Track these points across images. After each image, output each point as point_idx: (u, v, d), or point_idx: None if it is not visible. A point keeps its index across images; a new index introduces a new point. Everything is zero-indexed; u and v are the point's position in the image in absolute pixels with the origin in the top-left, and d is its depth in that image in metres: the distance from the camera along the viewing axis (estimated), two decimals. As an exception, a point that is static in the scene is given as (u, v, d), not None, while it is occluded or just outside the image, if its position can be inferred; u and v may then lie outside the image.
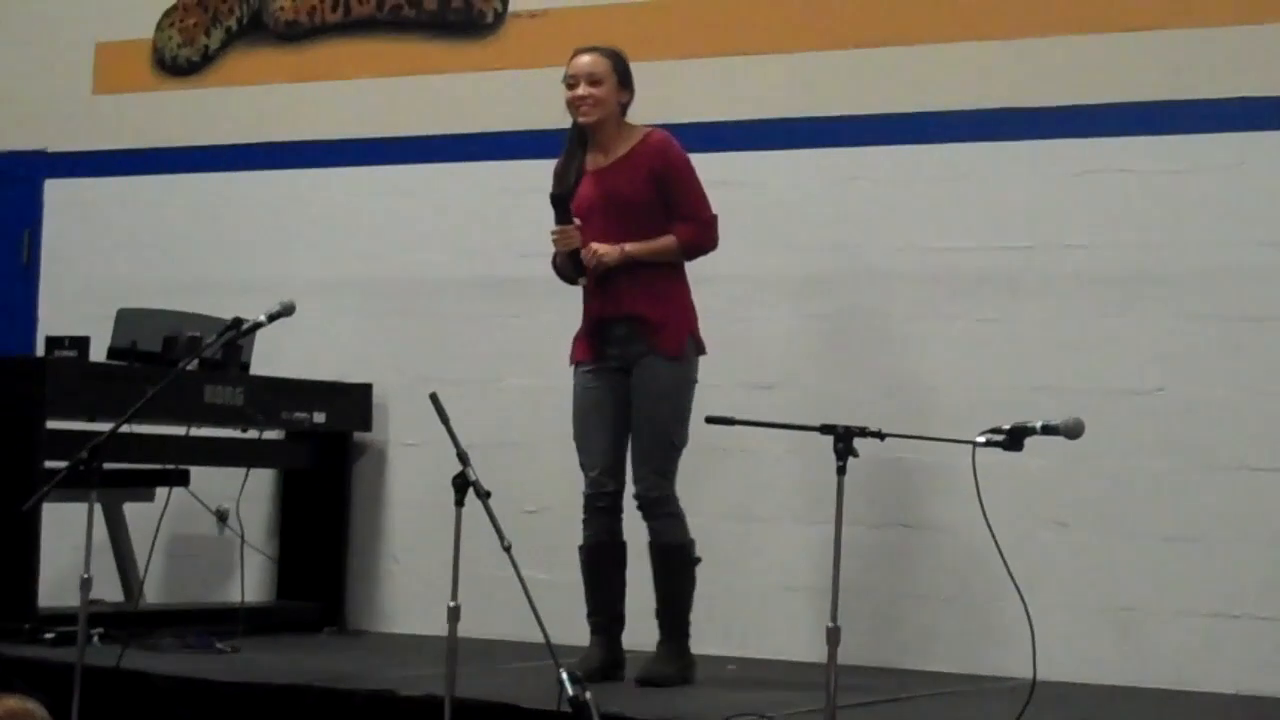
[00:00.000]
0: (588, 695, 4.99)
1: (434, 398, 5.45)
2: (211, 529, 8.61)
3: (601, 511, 6.59)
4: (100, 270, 9.20)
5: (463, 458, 5.32)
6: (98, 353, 7.61)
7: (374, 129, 8.76)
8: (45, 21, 9.62)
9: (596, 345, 6.61)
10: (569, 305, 7.01)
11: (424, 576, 8.17)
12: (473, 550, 5.31)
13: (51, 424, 7.33)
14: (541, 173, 7.91)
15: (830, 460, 5.26)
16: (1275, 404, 6.98)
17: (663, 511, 6.54)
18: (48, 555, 7.39)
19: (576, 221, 6.52)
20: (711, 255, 6.68)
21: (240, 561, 8.08)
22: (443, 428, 5.38)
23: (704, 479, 6.67)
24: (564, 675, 5.01)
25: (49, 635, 7.02)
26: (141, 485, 8.13)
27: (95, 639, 6.81)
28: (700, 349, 6.63)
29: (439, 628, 5.40)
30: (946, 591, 7.39)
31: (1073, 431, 5.43)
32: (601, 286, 6.56)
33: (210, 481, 8.26)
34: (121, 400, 6.37)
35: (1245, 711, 6.66)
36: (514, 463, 7.97)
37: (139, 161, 9.30)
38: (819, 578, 5.24)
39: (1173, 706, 6.69)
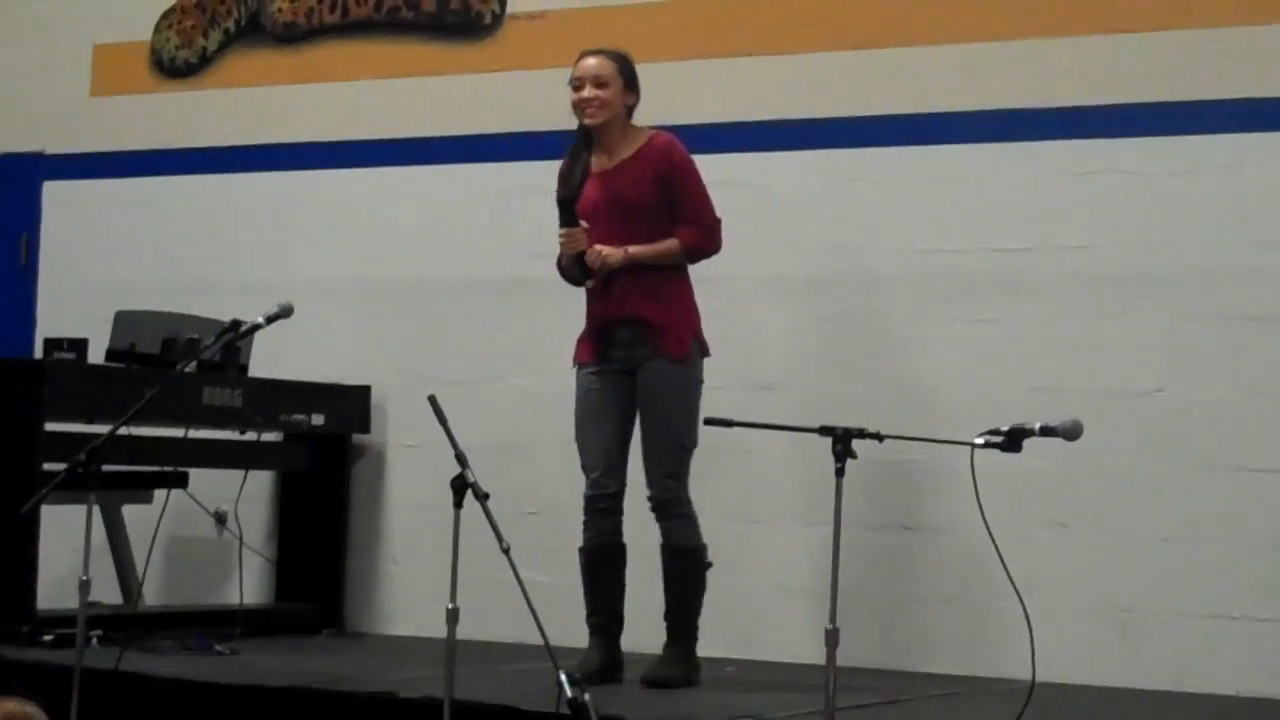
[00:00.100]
0: (587, 697, 4.99)
1: (433, 400, 5.45)
2: (210, 531, 8.61)
3: (602, 513, 6.59)
4: (98, 272, 9.20)
5: (461, 459, 5.32)
6: (96, 355, 7.61)
7: (372, 131, 8.76)
8: (43, 23, 9.61)
9: (600, 347, 6.61)
10: (568, 306, 7.02)
11: (423, 578, 8.17)
12: (471, 552, 5.31)
13: (50, 426, 7.33)
14: (540, 174, 7.90)
15: (829, 461, 5.26)
16: (1275, 405, 6.97)
17: (676, 513, 6.54)
18: (46, 557, 7.39)
19: (584, 224, 6.52)
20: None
21: (239, 563, 8.08)
22: (441, 429, 5.38)
23: (704, 480, 6.66)
24: (563, 677, 5.00)
25: (48, 637, 7.01)
26: (140, 487, 8.12)
27: (94, 641, 6.80)
28: (704, 351, 6.64)
29: (438, 629, 5.40)
30: (946, 593, 7.38)
31: (1071, 433, 5.43)
32: (605, 288, 6.56)
33: (209, 483, 8.26)
34: (120, 402, 6.37)
35: (1245, 713, 6.66)
36: (513, 464, 7.97)
37: (137, 163, 9.29)
38: (818, 579, 5.23)
39: (1172, 708, 6.70)
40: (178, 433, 7.66)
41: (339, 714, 6.08)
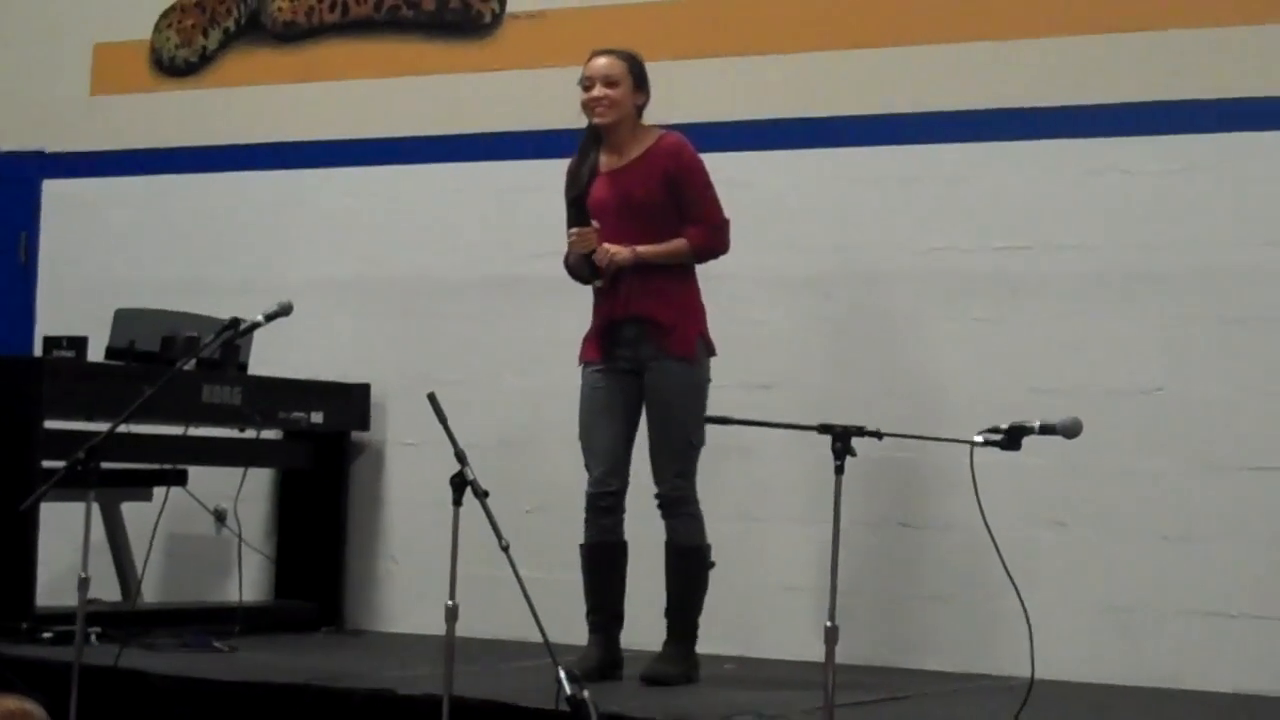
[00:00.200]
0: (586, 694, 4.99)
1: (432, 397, 5.45)
2: (209, 528, 8.61)
3: (604, 511, 6.60)
4: (98, 270, 9.20)
5: (461, 457, 5.32)
6: (95, 353, 7.62)
7: (372, 129, 8.76)
8: (43, 22, 9.62)
9: (606, 346, 6.62)
10: (567, 305, 7.03)
11: (422, 576, 8.18)
12: (471, 550, 5.31)
13: (49, 424, 7.33)
14: (540, 173, 7.94)
15: (829, 460, 5.26)
16: (1274, 403, 6.98)
17: (683, 511, 6.56)
18: (46, 555, 7.39)
19: (595, 224, 6.52)
20: (713, 255, 6.71)
21: (238, 561, 8.08)
22: (441, 427, 5.38)
23: (704, 478, 6.66)
24: (562, 674, 5.01)
25: (47, 634, 7.02)
26: (139, 485, 8.12)
27: (93, 638, 6.80)
28: (711, 350, 6.65)
29: (437, 627, 5.40)
30: (946, 591, 7.39)
31: (1071, 431, 5.43)
32: (612, 287, 6.57)
33: (208, 481, 8.25)
34: (119, 400, 6.36)
35: (1243, 711, 6.66)
36: (512, 462, 7.98)
37: (137, 162, 9.29)
38: (818, 577, 5.24)
39: (1170, 705, 6.70)
40: (177, 430, 7.67)
41: (338, 711, 6.09)
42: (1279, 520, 6.92)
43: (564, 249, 6.73)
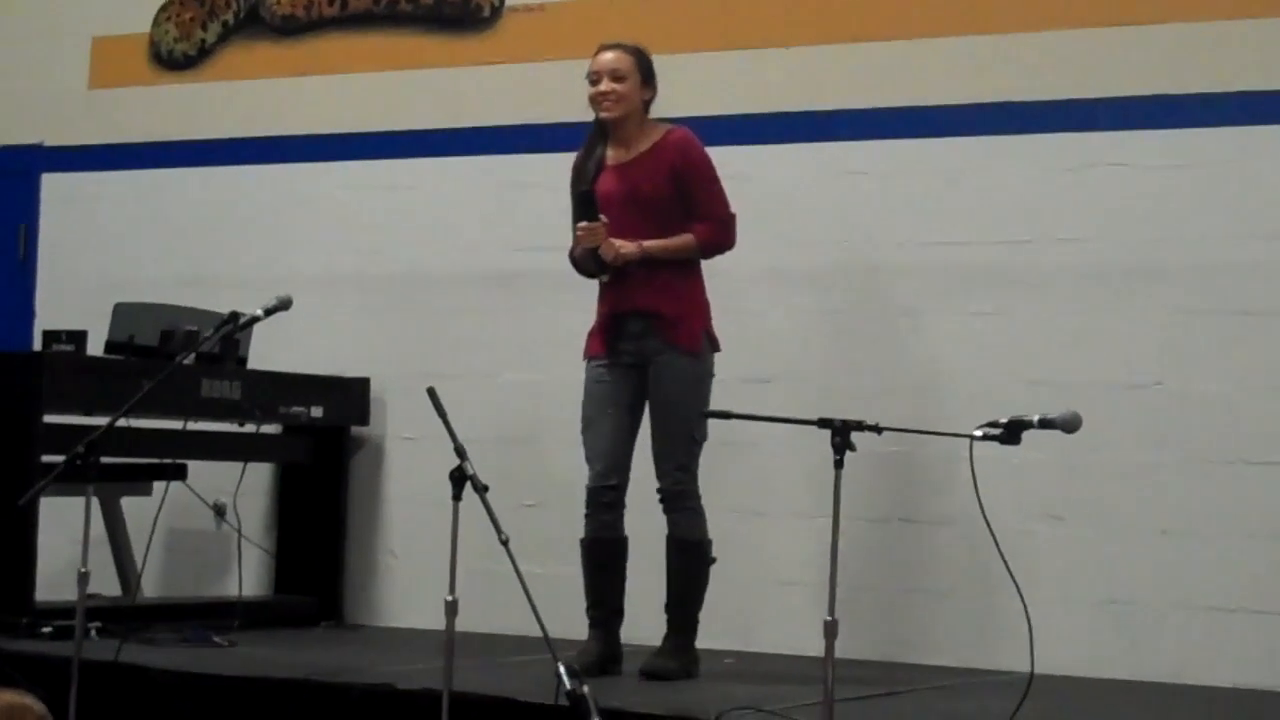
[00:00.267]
0: (585, 689, 4.98)
1: (431, 392, 5.45)
2: (209, 523, 8.61)
3: (604, 507, 6.60)
4: (97, 265, 9.20)
5: (460, 452, 5.32)
6: (95, 347, 7.61)
7: (371, 123, 8.75)
8: (42, 16, 9.61)
9: (610, 340, 6.62)
10: (567, 299, 7.03)
11: (421, 571, 8.18)
12: (470, 544, 5.31)
13: (48, 418, 7.32)
14: (539, 166, 7.94)
15: (830, 454, 5.26)
16: (1272, 398, 6.98)
17: (684, 506, 6.56)
18: (45, 549, 7.39)
19: (603, 219, 6.51)
20: (711, 249, 6.71)
21: (238, 556, 8.07)
22: (440, 422, 5.38)
23: (704, 472, 6.66)
24: (562, 669, 5.00)
25: (47, 629, 7.02)
26: (139, 479, 8.13)
27: (93, 633, 6.80)
28: (715, 345, 6.65)
29: (437, 622, 5.41)
30: (945, 586, 7.39)
31: (1070, 425, 5.42)
32: (617, 282, 6.56)
33: (208, 476, 8.25)
34: (118, 394, 6.35)
35: (1241, 705, 6.66)
36: (512, 457, 7.98)
37: (136, 156, 9.29)
38: (818, 572, 5.23)
39: (1169, 700, 6.70)
40: (176, 425, 7.67)
41: (337, 706, 6.09)
42: (1277, 515, 6.92)
43: (565, 243, 6.73)
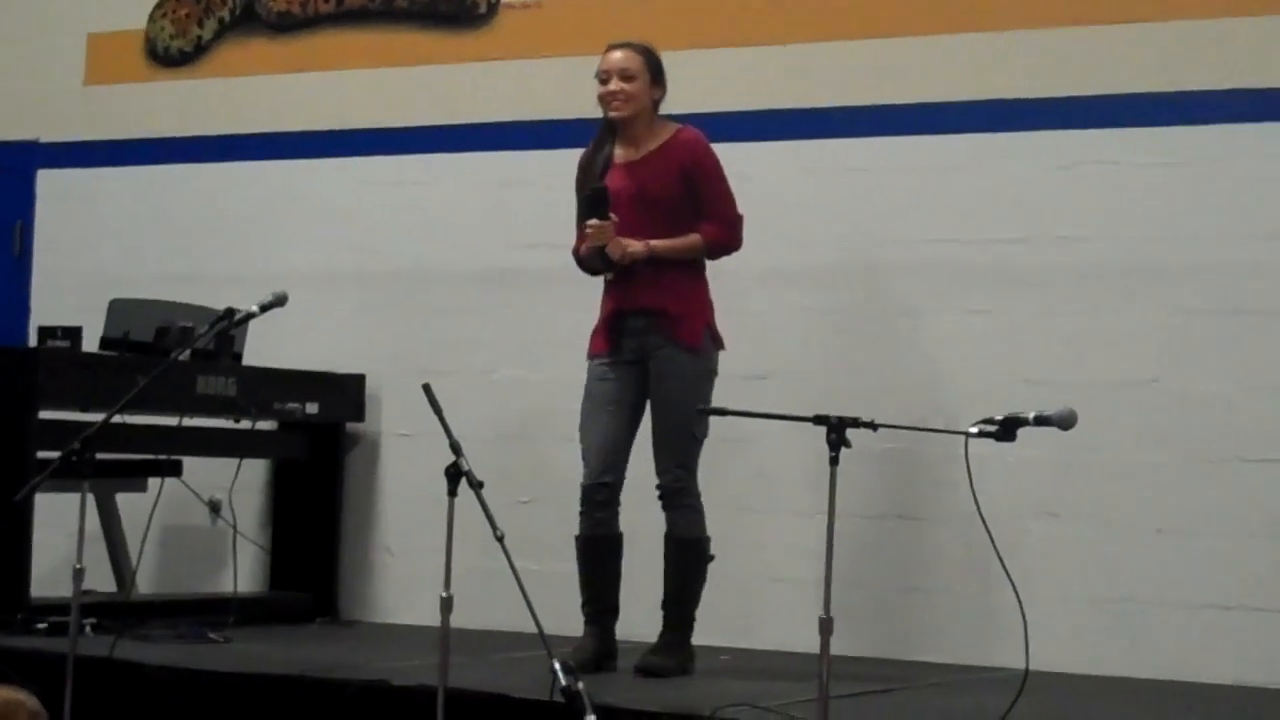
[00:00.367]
0: (580, 685, 4.98)
1: (427, 388, 5.45)
2: (204, 519, 8.61)
3: (598, 505, 6.59)
4: (92, 261, 9.19)
5: (455, 448, 5.32)
6: (90, 343, 7.61)
7: (367, 120, 8.75)
8: (37, 13, 9.60)
9: (613, 338, 6.61)
10: (563, 296, 7.03)
11: (417, 567, 8.18)
12: (465, 541, 5.31)
13: (44, 414, 7.32)
14: (536, 163, 7.95)
15: (827, 451, 5.25)
16: (1268, 396, 6.98)
17: (683, 503, 6.55)
18: (40, 546, 7.39)
19: (613, 217, 6.50)
20: (707, 246, 6.71)
21: (233, 552, 8.07)
22: (436, 418, 5.38)
23: (702, 469, 6.66)
24: (557, 665, 5.00)
25: (42, 625, 7.02)
26: (134, 476, 8.12)
27: (88, 629, 6.81)
28: (719, 344, 6.64)
29: (432, 618, 5.40)
30: (942, 583, 7.39)
31: (1065, 422, 5.42)
32: (622, 280, 6.56)
33: (203, 472, 8.25)
34: (114, 390, 6.35)
35: (1238, 702, 6.66)
36: (507, 453, 7.98)
37: (131, 152, 9.28)
38: (815, 569, 5.23)
39: (1165, 698, 6.69)
40: (172, 421, 7.67)
41: (332, 702, 6.08)
42: (1274, 513, 6.93)
43: (561, 239, 6.73)
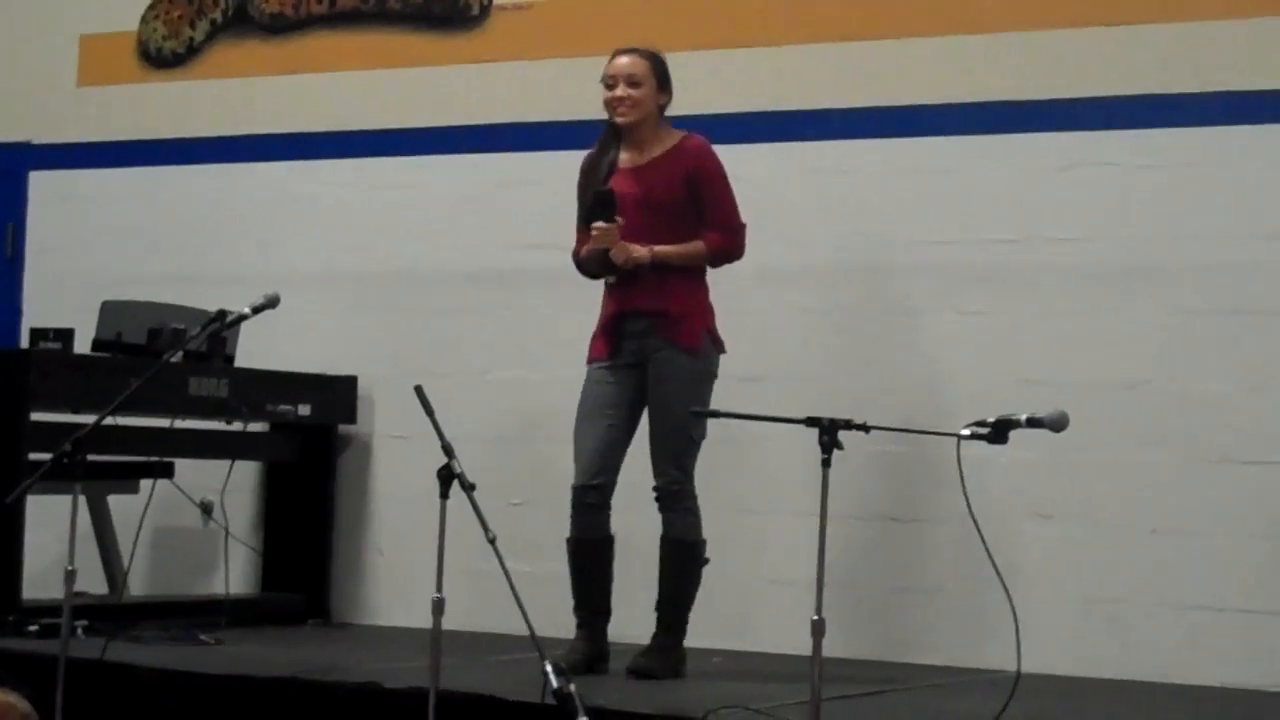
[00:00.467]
0: (572, 687, 4.98)
1: (419, 390, 5.45)
2: (196, 521, 8.60)
3: (589, 508, 6.58)
4: (84, 262, 9.18)
5: (448, 450, 5.31)
6: (82, 345, 7.60)
7: (360, 121, 8.74)
8: (29, 14, 9.59)
9: (613, 341, 6.61)
10: (556, 298, 7.02)
11: (409, 569, 8.17)
12: (458, 543, 5.30)
13: (36, 416, 7.32)
14: (529, 165, 7.95)
15: (819, 453, 5.25)
16: (1261, 397, 6.98)
17: (680, 506, 6.55)
18: (32, 547, 7.38)
19: (620, 220, 6.49)
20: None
21: (225, 554, 8.06)
22: (428, 420, 5.38)
23: (697, 472, 6.66)
24: (549, 667, 5.00)
25: (33, 627, 7.00)
26: (126, 477, 8.11)
27: (79, 631, 6.80)
28: (719, 347, 6.64)
29: (424, 620, 5.40)
30: (935, 585, 7.39)
31: (1058, 424, 5.43)
32: (623, 284, 6.56)
33: (195, 474, 8.25)
34: (106, 392, 6.33)
35: (1229, 704, 6.66)
36: (499, 455, 7.97)
37: (124, 154, 9.27)
38: (808, 570, 5.23)
39: (1157, 699, 6.70)
40: (164, 423, 7.65)
41: (324, 704, 6.08)
42: (1266, 514, 6.93)
43: (554, 241, 6.73)
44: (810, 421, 5.32)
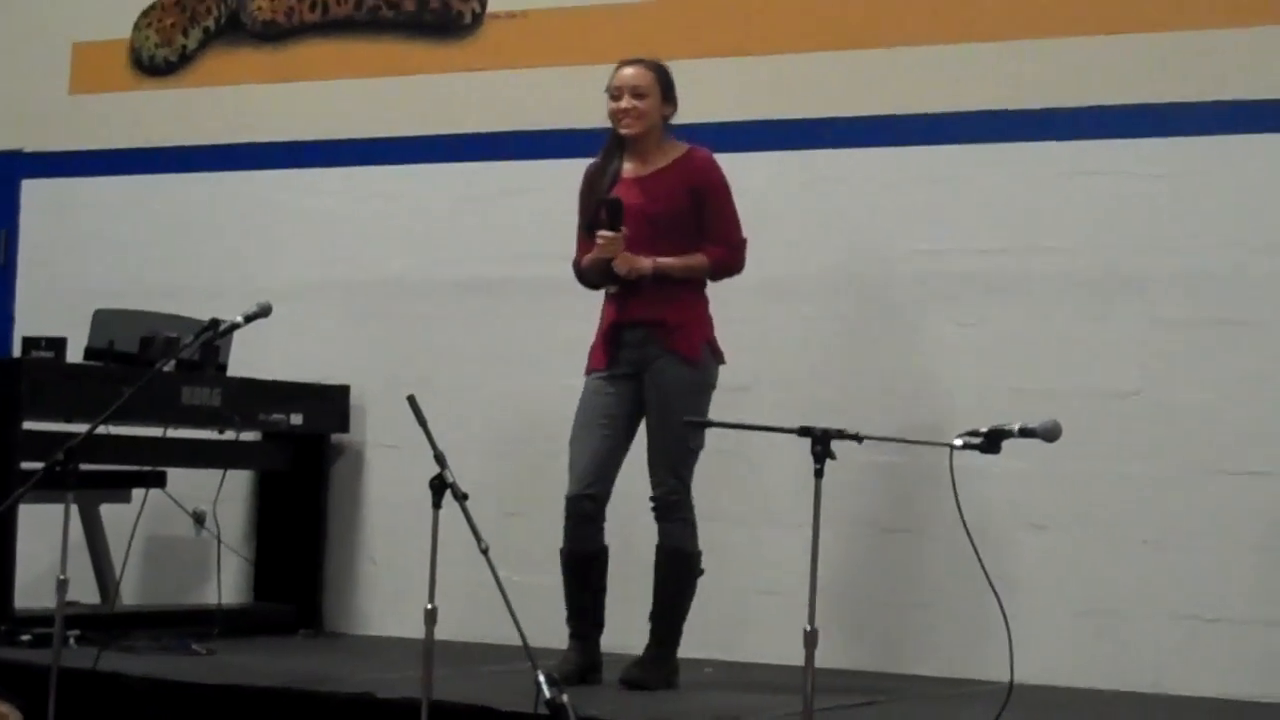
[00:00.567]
0: (565, 698, 4.98)
1: (412, 400, 5.44)
2: (188, 530, 8.59)
3: (583, 519, 6.56)
4: (77, 271, 9.18)
5: (440, 460, 5.31)
6: (74, 353, 7.59)
7: (352, 130, 8.74)
8: (22, 21, 9.59)
9: (611, 351, 6.60)
10: (549, 307, 7.01)
11: (401, 578, 8.16)
12: (450, 552, 5.30)
13: (28, 425, 7.29)
14: (522, 174, 7.95)
15: (811, 463, 5.25)
16: (1252, 408, 6.99)
17: (677, 516, 6.54)
18: (24, 557, 7.36)
19: (624, 230, 6.49)
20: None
21: (217, 563, 8.05)
22: (420, 430, 5.37)
23: (693, 482, 6.66)
24: (541, 678, 5.00)
25: (25, 637, 6.99)
26: (118, 487, 8.11)
27: (71, 641, 6.79)
28: (719, 358, 6.63)
29: (416, 630, 5.39)
30: (929, 596, 7.38)
31: (1050, 434, 5.42)
32: (623, 295, 6.55)
33: (187, 483, 8.24)
34: (98, 401, 6.33)
35: (1223, 715, 6.67)
36: (493, 465, 7.97)
37: (116, 162, 9.27)
38: (801, 581, 5.22)
39: (1150, 710, 6.70)
40: (156, 432, 7.64)
41: (317, 714, 6.07)
42: (1258, 524, 6.93)
43: (547, 250, 6.73)
44: (803, 431, 5.31)
